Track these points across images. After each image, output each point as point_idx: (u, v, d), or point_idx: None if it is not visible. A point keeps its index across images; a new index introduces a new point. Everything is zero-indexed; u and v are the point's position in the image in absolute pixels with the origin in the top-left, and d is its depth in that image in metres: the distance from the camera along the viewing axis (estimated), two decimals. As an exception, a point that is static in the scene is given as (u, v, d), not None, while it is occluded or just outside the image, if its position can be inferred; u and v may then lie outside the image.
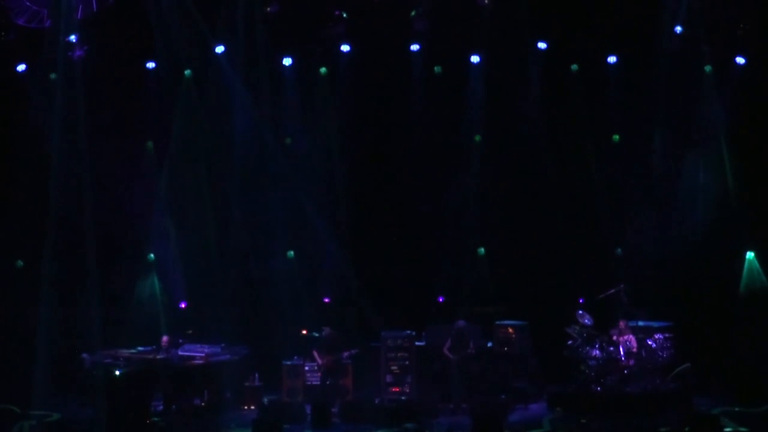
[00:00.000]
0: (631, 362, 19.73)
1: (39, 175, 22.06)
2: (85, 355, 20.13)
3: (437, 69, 22.60)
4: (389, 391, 20.61)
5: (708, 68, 21.70)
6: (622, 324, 20.00)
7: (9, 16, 21.46)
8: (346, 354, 20.35)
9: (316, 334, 20.77)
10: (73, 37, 21.67)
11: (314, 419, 19.34)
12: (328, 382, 20.32)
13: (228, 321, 21.91)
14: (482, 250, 22.55)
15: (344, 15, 21.78)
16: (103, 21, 21.75)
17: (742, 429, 17.64)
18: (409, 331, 20.91)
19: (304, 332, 21.00)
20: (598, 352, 19.84)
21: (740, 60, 21.61)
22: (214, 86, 22.53)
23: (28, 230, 22.02)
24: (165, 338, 20.31)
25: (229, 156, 22.52)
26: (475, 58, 22.42)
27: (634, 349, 19.77)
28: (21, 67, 22.31)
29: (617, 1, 21.62)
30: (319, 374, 20.45)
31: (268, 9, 21.85)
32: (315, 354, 20.48)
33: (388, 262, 22.53)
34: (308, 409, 19.80)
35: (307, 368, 20.78)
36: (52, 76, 22.14)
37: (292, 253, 22.68)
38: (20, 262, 22.24)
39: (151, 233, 22.44)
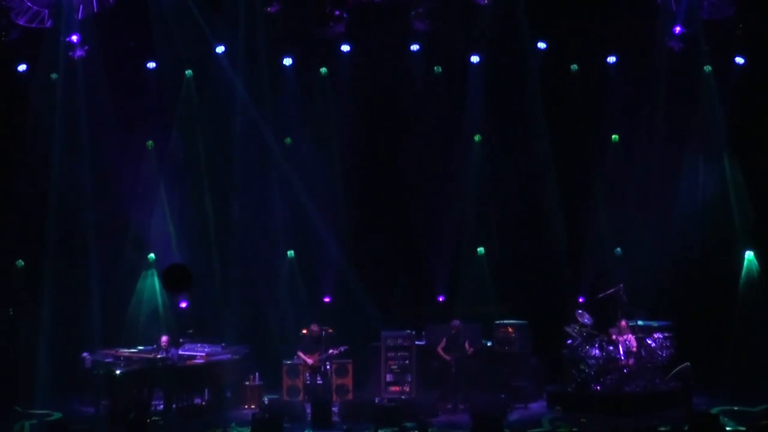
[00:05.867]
0: (631, 361, 19.75)
1: (39, 175, 22.07)
2: (85, 355, 20.17)
3: (437, 69, 22.62)
4: (389, 390, 20.63)
5: (708, 68, 21.71)
6: (621, 323, 20.03)
7: (10, 16, 21.46)
8: (332, 351, 20.33)
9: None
10: (74, 38, 21.66)
11: (314, 418, 19.37)
12: (319, 382, 20.33)
13: (228, 321, 21.96)
14: (482, 250, 22.56)
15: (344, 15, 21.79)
16: (103, 21, 21.75)
17: (741, 428, 17.65)
18: (409, 331, 20.93)
19: (305, 332, 21.00)
20: (597, 351, 19.87)
21: (740, 60, 21.62)
22: (215, 86, 22.54)
23: (28, 230, 22.03)
24: (164, 338, 20.33)
25: (229, 156, 22.55)
26: (475, 58, 22.44)
27: (634, 349, 19.79)
28: (22, 67, 22.31)
29: (617, 1, 21.63)
30: (308, 374, 20.45)
31: (268, 9, 21.84)
32: (301, 355, 20.49)
33: (388, 262, 22.53)
34: (308, 408, 19.84)
35: (307, 367, 20.85)
36: (53, 76, 22.15)
37: (292, 253, 22.70)
38: (20, 262, 22.23)
39: (151, 233, 22.44)
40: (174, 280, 14.66)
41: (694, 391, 19.67)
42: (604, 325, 20.41)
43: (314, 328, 20.57)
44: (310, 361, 20.34)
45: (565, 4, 21.82)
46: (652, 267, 21.61)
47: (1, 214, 21.96)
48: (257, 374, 20.73)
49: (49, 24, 21.71)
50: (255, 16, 22.11)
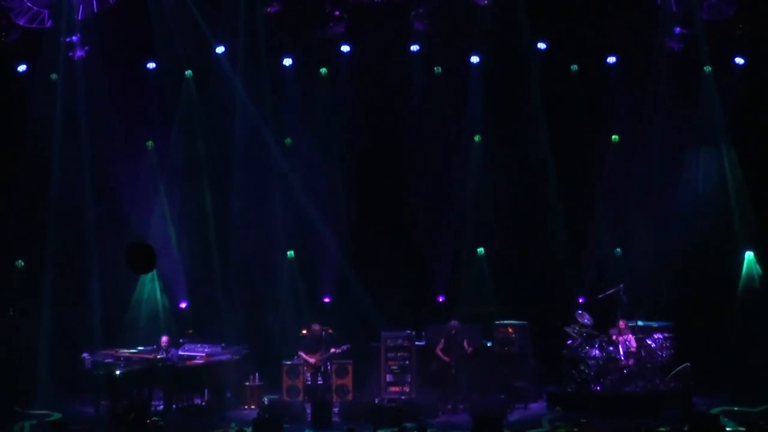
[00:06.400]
0: (631, 362, 19.76)
1: (39, 175, 22.06)
2: (85, 355, 20.14)
3: (437, 69, 22.61)
4: (389, 390, 20.63)
5: (708, 68, 21.70)
6: (621, 324, 20.04)
7: (10, 17, 21.46)
8: (334, 351, 20.31)
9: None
10: (74, 38, 21.67)
11: (314, 419, 19.38)
12: (320, 381, 20.32)
13: (228, 321, 21.96)
14: (482, 250, 22.56)
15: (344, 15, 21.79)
16: (103, 21, 21.75)
17: (741, 428, 17.65)
18: (409, 331, 20.93)
19: (305, 332, 21.01)
20: (597, 351, 19.88)
21: (740, 60, 21.61)
22: (215, 86, 22.55)
23: (28, 230, 22.02)
24: (164, 338, 20.35)
25: (230, 156, 22.55)
26: (475, 58, 22.44)
27: (634, 349, 19.81)
28: (22, 68, 22.31)
29: (617, 1, 21.64)
30: (309, 374, 20.45)
31: (269, 9, 21.85)
32: (302, 354, 20.48)
33: (388, 262, 22.50)
34: (308, 408, 19.84)
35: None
36: (53, 76, 22.16)
37: (292, 253, 22.70)
38: (20, 262, 22.22)
39: (151, 233, 22.42)
40: (137, 258, 14.59)
41: (694, 391, 19.69)
42: (604, 325, 20.41)
43: (316, 327, 20.56)
44: (312, 360, 20.33)
45: (565, 4, 21.81)
46: (652, 267, 21.60)
47: (1, 214, 21.95)
48: (257, 374, 20.74)
49: (49, 24, 21.72)
50: (255, 16, 22.10)
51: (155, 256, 14.56)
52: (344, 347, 20.36)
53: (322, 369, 20.44)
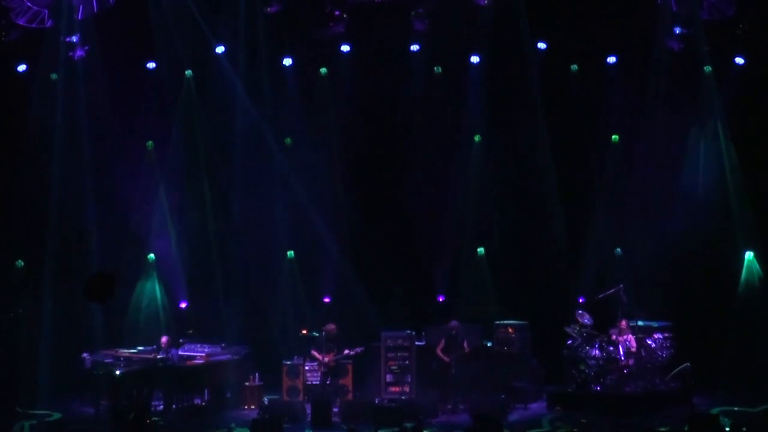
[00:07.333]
0: (631, 362, 19.76)
1: (40, 175, 22.09)
2: (85, 355, 20.15)
3: (437, 69, 22.62)
4: (389, 390, 20.62)
5: (708, 68, 21.71)
6: (621, 324, 20.03)
7: (10, 16, 21.47)
8: (349, 352, 20.31)
9: (316, 334, 20.73)
10: (74, 38, 21.68)
11: (314, 419, 19.37)
12: (328, 382, 20.31)
13: (228, 321, 21.95)
14: (482, 250, 22.56)
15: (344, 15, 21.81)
16: (103, 21, 21.76)
17: (742, 429, 17.62)
18: (409, 331, 20.92)
19: (304, 332, 21.00)
20: (597, 351, 19.88)
21: (740, 60, 21.62)
22: (215, 86, 22.56)
23: (29, 230, 22.05)
24: (164, 338, 20.36)
25: (230, 156, 22.57)
26: (475, 58, 22.45)
27: (634, 349, 19.80)
28: (22, 68, 22.32)
29: (617, 1, 21.64)
30: (319, 373, 20.44)
31: (269, 9, 21.88)
32: (315, 353, 20.45)
33: (388, 262, 22.51)
34: (308, 408, 19.84)
35: (307, 368, 20.78)
36: (53, 76, 22.17)
37: (292, 253, 22.70)
38: (20, 262, 22.22)
39: (151, 233, 22.45)
40: (96, 288, 14.52)
41: (694, 391, 19.68)
42: (604, 325, 20.41)
43: (331, 327, 20.47)
44: (325, 360, 20.27)
45: (565, 4, 21.82)
46: (652, 267, 21.59)
47: (2, 214, 21.97)
48: (257, 374, 20.73)
49: (49, 24, 21.73)
50: (255, 16, 22.12)
51: (113, 285, 14.41)
52: (358, 349, 20.31)
53: (324, 369, 20.37)
